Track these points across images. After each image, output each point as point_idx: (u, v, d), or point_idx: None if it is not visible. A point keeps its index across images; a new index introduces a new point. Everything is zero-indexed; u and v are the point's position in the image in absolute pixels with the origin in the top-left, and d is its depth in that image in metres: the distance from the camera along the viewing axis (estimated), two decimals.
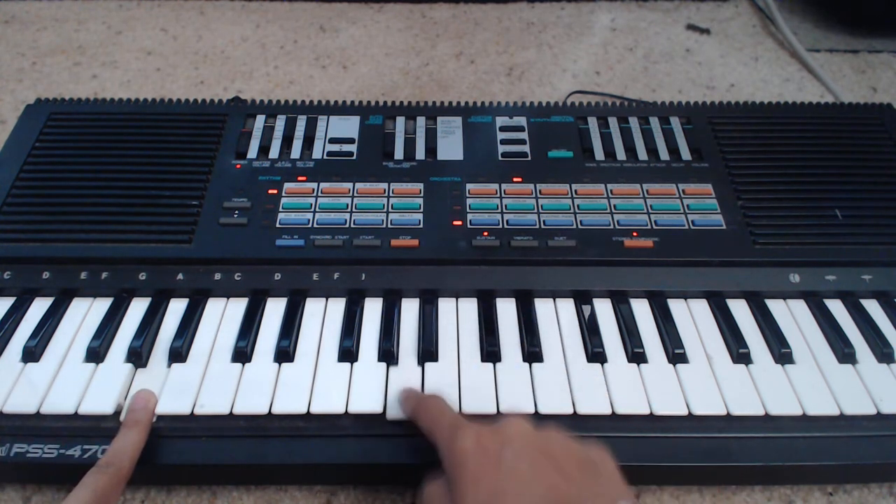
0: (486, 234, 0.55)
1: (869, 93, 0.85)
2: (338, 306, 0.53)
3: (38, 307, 0.52)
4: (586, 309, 0.53)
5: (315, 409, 0.46)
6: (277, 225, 0.56)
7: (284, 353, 0.49)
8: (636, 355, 0.50)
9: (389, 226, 0.56)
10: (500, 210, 0.57)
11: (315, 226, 0.56)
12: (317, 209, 0.57)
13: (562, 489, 0.35)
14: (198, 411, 0.46)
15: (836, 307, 0.53)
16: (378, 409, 0.46)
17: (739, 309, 0.53)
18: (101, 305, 0.53)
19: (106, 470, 0.40)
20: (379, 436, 0.45)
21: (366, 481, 0.48)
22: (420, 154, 0.62)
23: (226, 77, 0.86)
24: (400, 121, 0.65)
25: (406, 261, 0.54)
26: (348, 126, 0.64)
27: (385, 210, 0.57)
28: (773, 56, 0.91)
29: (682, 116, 0.65)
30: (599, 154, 0.62)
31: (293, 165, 0.61)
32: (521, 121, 0.65)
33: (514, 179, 0.60)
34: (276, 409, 0.46)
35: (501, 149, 0.63)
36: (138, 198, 0.57)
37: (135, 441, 0.43)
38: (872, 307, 0.53)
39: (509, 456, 0.36)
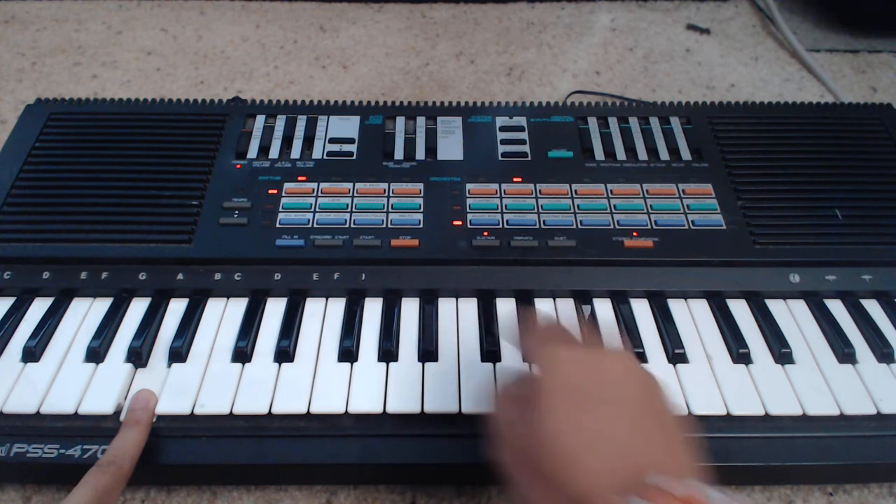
0: (486, 234, 0.55)
1: (869, 93, 0.85)
2: (338, 306, 0.53)
3: (38, 307, 0.52)
4: (586, 309, 0.53)
5: (315, 409, 0.46)
6: (277, 225, 0.56)
7: (284, 353, 0.49)
8: (636, 355, 0.50)
9: (389, 226, 0.56)
10: (500, 210, 0.57)
11: (315, 226, 0.56)
12: (317, 209, 0.57)
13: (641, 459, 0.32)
14: (198, 411, 0.46)
15: (836, 307, 0.53)
16: (378, 409, 0.46)
17: (739, 309, 0.53)
18: (101, 305, 0.53)
19: (107, 469, 0.40)
20: (379, 436, 0.45)
21: (366, 481, 0.48)
22: (420, 154, 0.62)
23: (226, 77, 0.86)
24: (400, 121, 0.65)
25: (406, 261, 0.54)
26: (348, 126, 0.64)
27: (385, 210, 0.57)
28: (773, 56, 0.91)
29: (682, 116, 0.66)
30: (599, 154, 0.62)
31: (293, 165, 0.61)
32: (521, 121, 0.65)
33: (514, 179, 0.60)
34: (276, 409, 0.46)
35: (501, 149, 0.63)
36: (138, 198, 0.57)
37: (135, 440, 0.43)
38: (872, 307, 0.53)
39: (600, 397, 0.33)
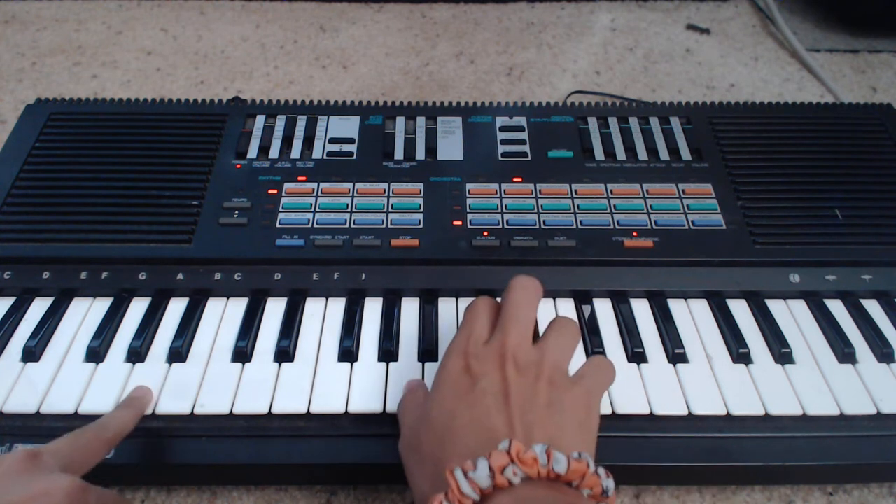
0: (486, 234, 0.55)
1: (869, 93, 0.85)
2: (338, 306, 0.53)
3: (38, 307, 0.52)
4: (586, 309, 0.53)
5: (315, 409, 0.46)
6: (277, 225, 0.56)
7: (284, 353, 0.49)
8: (636, 355, 0.50)
9: (389, 226, 0.56)
10: (500, 210, 0.57)
11: (315, 226, 0.56)
12: (317, 209, 0.57)
13: (500, 432, 0.36)
14: (198, 411, 0.46)
15: (836, 307, 0.53)
16: (378, 409, 0.46)
17: (739, 309, 0.53)
18: (101, 305, 0.53)
19: (94, 431, 0.40)
20: (379, 436, 0.45)
21: (366, 481, 0.48)
22: (420, 154, 0.62)
23: (226, 77, 0.86)
24: (400, 121, 0.65)
25: (406, 261, 0.54)
26: (348, 126, 0.64)
27: (385, 210, 0.57)
28: (773, 56, 0.91)
29: (682, 116, 0.66)
30: (599, 154, 0.62)
31: (293, 165, 0.61)
32: (521, 121, 0.65)
33: (514, 179, 0.60)
34: (276, 409, 0.46)
35: (501, 149, 0.63)
36: (138, 198, 0.57)
37: (125, 417, 0.42)
38: (872, 307, 0.53)
39: (480, 387, 0.37)
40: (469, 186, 0.59)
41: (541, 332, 0.43)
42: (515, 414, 0.36)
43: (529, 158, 0.62)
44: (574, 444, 0.36)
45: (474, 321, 0.42)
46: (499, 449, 0.33)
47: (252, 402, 0.46)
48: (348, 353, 0.49)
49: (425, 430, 0.38)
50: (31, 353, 0.49)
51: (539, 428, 0.36)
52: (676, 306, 0.53)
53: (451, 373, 0.39)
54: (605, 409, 0.46)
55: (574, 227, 0.56)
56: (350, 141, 0.63)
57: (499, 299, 0.44)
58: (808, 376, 0.49)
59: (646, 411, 0.46)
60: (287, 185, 0.59)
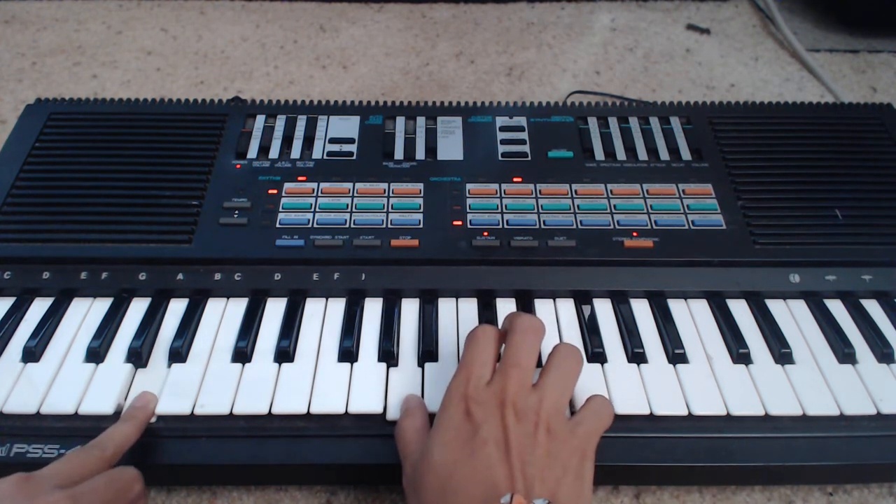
0: (486, 234, 0.55)
1: (869, 93, 0.85)
2: (338, 306, 0.53)
3: (38, 307, 0.52)
4: (586, 309, 0.53)
5: (315, 410, 0.46)
6: (277, 225, 0.56)
7: (284, 353, 0.49)
8: (636, 355, 0.50)
9: (389, 226, 0.56)
10: (500, 210, 0.57)
11: (315, 226, 0.56)
12: (317, 209, 0.57)
13: (501, 485, 0.36)
14: (198, 411, 0.46)
15: (836, 307, 0.53)
16: (378, 409, 0.46)
17: (739, 309, 0.53)
18: (101, 305, 0.53)
19: (90, 450, 0.40)
20: (379, 436, 0.45)
21: (366, 481, 0.48)
22: (420, 154, 0.62)
23: (226, 77, 0.86)
24: (400, 121, 0.65)
25: (406, 261, 0.54)
26: (348, 126, 0.64)
27: (385, 210, 0.57)
28: (773, 56, 0.91)
29: (682, 116, 0.65)
30: (599, 154, 0.62)
31: (293, 165, 0.61)
32: (521, 121, 0.65)
33: (514, 179, 0.60)
34: (276, 409, 0.46)
35: (501, 149, 0.63)
36: (138, 198, 0.57)
37: (125, 432, 0.43)
38: (872, 307, 0.53)
39: (481, 437, 0.38)
40: (469, 186, 0.59)
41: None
42: (516, 466, 0.36)
43: (529, 158, 0.62)
44: (571, 497, 0.36)
45: (474, 361, 0.41)
46: (501, 503, 0.34)
47: (252, 403, 0.46)
48: (348, 353, 0.49)
49: (426, 472, 0.38)
50: (31, 354, 0.49)
51: (539, 482, 0.36)
52: (676, 306, 0.53)
53: (453, 417, 0.39)
54: None
55: (574, 227, 0.56)
56: (350, 141, 0.63)
57: (499, 324, 0.45)
58: (808, 376, 0.49)
59: (646, 411, 0.46)
60: (287, 185, 0.59)
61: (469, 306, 0.53)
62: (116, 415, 0.46)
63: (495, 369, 0.41)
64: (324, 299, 0.53)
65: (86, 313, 0.52)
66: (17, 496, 0.35)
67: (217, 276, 0.53)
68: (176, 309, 0.52)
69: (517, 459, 0.36)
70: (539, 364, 0.46)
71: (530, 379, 0.41)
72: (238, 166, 0.60)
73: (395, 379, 0.48)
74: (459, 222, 0.56)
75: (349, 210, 0.57)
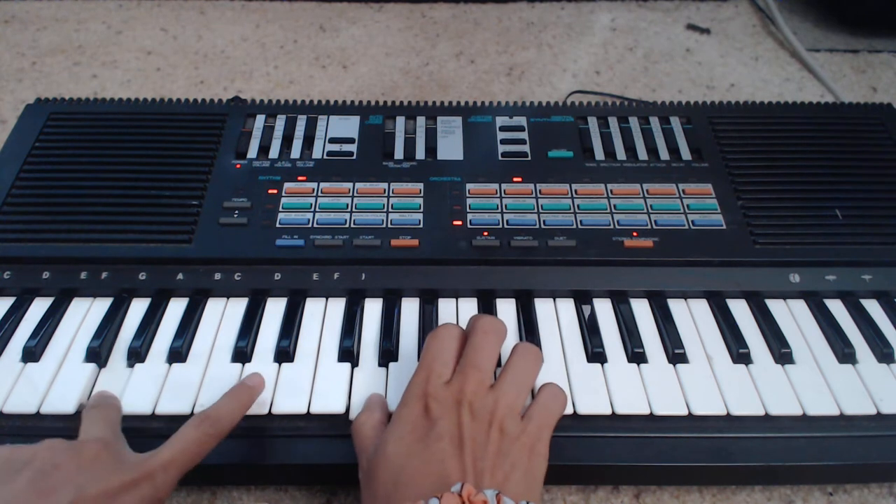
0: (486, 234, 0.55)
1: (869, 93, 0.85)
2: (338, 306, 0.53)
3: (38, 307, 0.52)
4: (586, 309, 0.53)
5: (315, 409, 0.46)
6: (277, 225, 0.56)
7: (284, 353, 0.49)
8: (636, 355, 0.50)
9: (389, 226, 0.56)
10: (500, 210, 0.57)
11: (315, 226, 0.56)
12: (317, 209, 0.57)
13: (453, 477, 0.36)
14: (198, 411, 0.46)
15: (836, 307, 0.53)
16: None
17: (739, 309, 0.53)
18: (101, 305, 0.53)
19: (203, 423, 0.41)
20: None
21: None
22: (420, 154, 0.62)
23: (226, 77, 0.86)
24: (400, 121, 0.65)
25: (406, 261, 0.54)
26: (348, 126, 0.64)
27: (385, 210, 0.57)
28: (773, 56, 0.91)
29: (682, 116, 0.65)
30: (599, 154, 0.62)
31: (293, 165, 0.61)
32: (521, 121, 0.65)
33: (514, 179, 0.60)
34: (276, 409, 0.46)
35: (501, 149, 0.63)
36: (138, 198, 0.57)
37: (235, 408, 0.43)
38: (872, 307, 0.53)
39: (436, 432, 0.38)
40: (469, 186, 0.59)
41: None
42: (468, 460, 0.37)
43: (529, 158, 0.62)
44: (519, 491, 0.37)
45: (435, 359, 0.42)
46: (451, 491, 0.34)
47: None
48: (348, 353, 0.49)
49: (380, 465, 0.39)
50: (31, 353, 0.49)
51: (489, 475, 0.37)
52: (676, 306, 0.53)
53: (412, 413, 0.40)
54: (606, 410, 0.46)
55: (574, 227, 0.56)
56: (350, 141, 0.63)
57: (463, 324, 0.45)
58: (808, 376, 0.49)
59: (646, 411, 0.46)
60: (287, 185, 0.59)
61: (469, 306, 0.53)
62: None
63: (455, 369, 0.42)
64: (324, 299, 0.53)
65: (86, 313, 0.52)
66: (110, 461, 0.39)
67: (217, 276, 0.53)
68: (176, 309, 0.52)
69: (469, 455, 0.37)
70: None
71: (488, 380, 0.42)
72: (238, 166, 0.60)
73: (395, 379, 0.48)
74: (459, 222, 0.56)
75: (349, 210, 0.57)
